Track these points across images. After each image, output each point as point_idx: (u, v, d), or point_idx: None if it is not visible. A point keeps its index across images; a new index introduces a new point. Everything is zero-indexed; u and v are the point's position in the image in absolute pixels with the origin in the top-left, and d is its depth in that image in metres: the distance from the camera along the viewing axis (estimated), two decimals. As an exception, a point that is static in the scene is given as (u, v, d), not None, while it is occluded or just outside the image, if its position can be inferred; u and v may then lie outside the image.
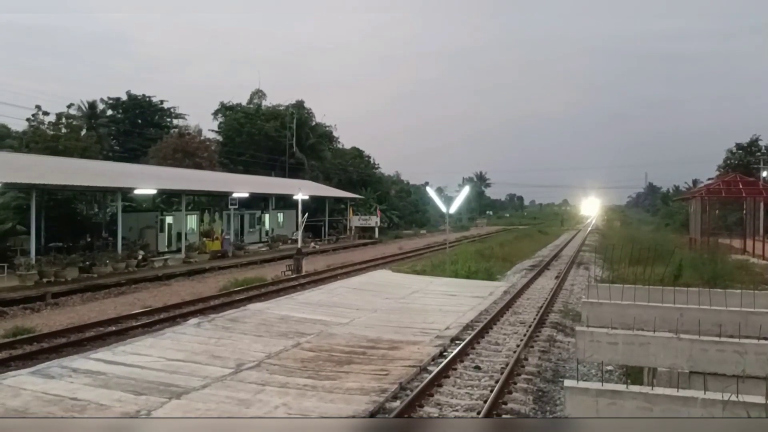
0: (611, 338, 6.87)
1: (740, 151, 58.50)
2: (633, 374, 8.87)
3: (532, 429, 4.94)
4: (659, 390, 5.28)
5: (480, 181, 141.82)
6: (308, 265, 28.08)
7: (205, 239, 34.06)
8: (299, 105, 64.73)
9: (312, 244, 41.57)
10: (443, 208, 28.78)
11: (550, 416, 8.76)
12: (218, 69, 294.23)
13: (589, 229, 79.33)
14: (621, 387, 5.35)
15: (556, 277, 24.80)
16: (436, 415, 8.43)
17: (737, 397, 4.82)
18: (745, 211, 35.60)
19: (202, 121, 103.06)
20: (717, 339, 6.63)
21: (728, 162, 58.19)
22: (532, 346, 12.64)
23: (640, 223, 71.38)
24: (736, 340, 6.65)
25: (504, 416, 8.55)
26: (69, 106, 44.84)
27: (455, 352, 11.40)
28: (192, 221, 36.33)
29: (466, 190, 33.26)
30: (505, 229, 78.22)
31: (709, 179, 53.86)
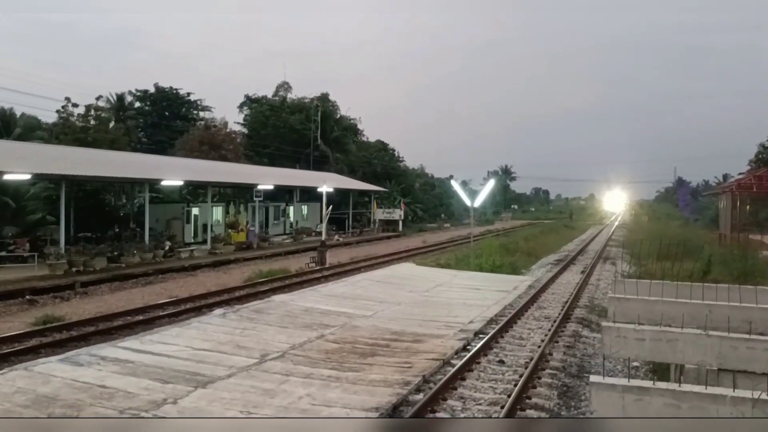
0: (638, 334, 6.78)
1: (772, 146, 57.02)
2: (659, 371, 8.76)
3: (556, 429, 4.87)
4: (687, 387, 5.19)
5: (505, 174, 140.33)
6: (332, 258, 28.17)
7: (230, 231, 34.38)
8: (324, 98, 64.83)
9: (336, 237, 41.72)
10: (468, 202, 28.69)
11: (575, 413, 8.69)
12: (244, 62, 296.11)
13: (616, 224, 78.12)
14: (648, 383, 5.27)
15: (582, 272, 24.54)
16: (459, 408, 8.42)
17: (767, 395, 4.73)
18: (777, 207, 34.82)
19: (227, 113, 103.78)
20: (747, 336, 6.50)
21: (760, 156, 56.82)
22: (557, 341, 12.55)
23: (669, 218, 70.24)
24: (767, 337, 6.53)
25: (527, 415, 8.50)
26: (98, 98, 45.41)
27: (479, 345, 11.37)
28: (217, 213, 36.75)
29: (491, 183, 33.13)
30: (530, 223, 77.41)
31: (740, 174, 52.73)
